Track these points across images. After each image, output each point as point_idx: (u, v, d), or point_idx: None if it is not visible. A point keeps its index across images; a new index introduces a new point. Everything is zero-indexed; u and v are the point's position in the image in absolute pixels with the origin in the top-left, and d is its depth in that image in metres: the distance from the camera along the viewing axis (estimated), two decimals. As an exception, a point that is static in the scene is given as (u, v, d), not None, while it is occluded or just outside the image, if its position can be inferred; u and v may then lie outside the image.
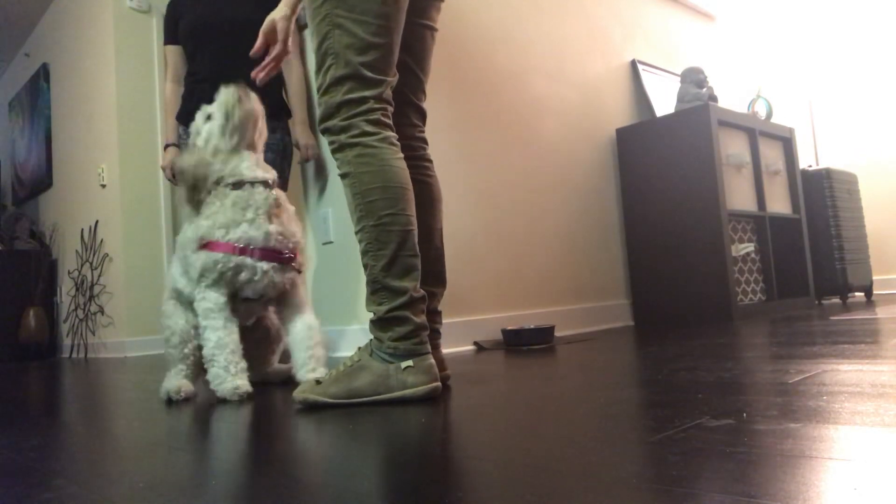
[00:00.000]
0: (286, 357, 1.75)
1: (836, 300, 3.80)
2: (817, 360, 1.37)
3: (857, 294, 4.17)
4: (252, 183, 1.59)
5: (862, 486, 0.56)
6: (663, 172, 3.09)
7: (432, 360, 1.30)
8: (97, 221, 4.10)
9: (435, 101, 2.51)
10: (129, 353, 3.77)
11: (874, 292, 4.12)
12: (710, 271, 2.92)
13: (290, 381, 1.72)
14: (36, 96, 5.10)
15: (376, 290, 1.31)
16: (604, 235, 3.18)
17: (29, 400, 1.93)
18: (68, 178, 4.60)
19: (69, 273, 4.47)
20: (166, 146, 2.49)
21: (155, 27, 3.96)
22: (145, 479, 0.83)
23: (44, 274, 4.72)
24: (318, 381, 1.34)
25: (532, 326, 2.39)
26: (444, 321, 2.37)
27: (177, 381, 1.59)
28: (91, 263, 4.12)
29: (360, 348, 1.36)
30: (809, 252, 3.50)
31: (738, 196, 3.11)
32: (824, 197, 3.62)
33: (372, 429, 1.04)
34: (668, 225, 3.07)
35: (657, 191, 3.12)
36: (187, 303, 1.67)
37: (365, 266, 1.33)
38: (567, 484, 0.65)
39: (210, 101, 2.32)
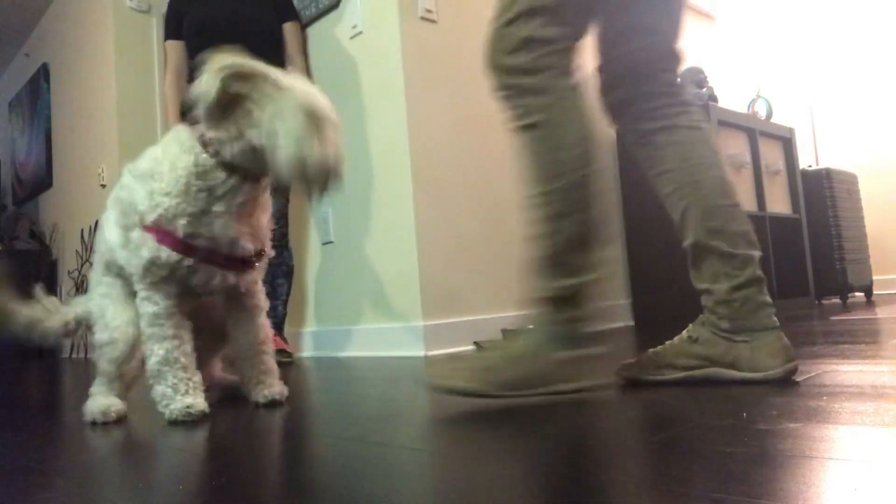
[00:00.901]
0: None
1: (836, 300, 3.80)
2: (817, 360, 1.37)
3: (857, 294, 4.16)
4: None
5: (862, 486, 0.56)
6: (663, 172, 3.09)
7: (594, 354, 1.15)
8: (97, 221, 4.10)
9: (435, 100, 2.51)
10: (129, 353, 3.77)
11: (874, 292, 4.12)
12: (710, 271, 2.92)
13: (236, 396, 1.47)
14: (36, 96, 5.10)
15: (556, 263, 1.13)
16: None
17: (29, 400, 1.93)
18: (68, 178, 4.60)
19: (69, 273, 4.47)
20: None
21: (155, 27, 3.96)
22: (145, 479, 0.83)
23: (44, 274, 4.72)
24: (453, 359, 1.14)
25: (532, 326, 2.39)
26: (443, 321, 2.38)
27: (105, 399, 1.31)
28: (91, 263, 4.12)
29: (518, 332, 1.17)
30: (809, 252, 3.50)
31: (738, 196, 3.10)
32: (824, 197, 3.62)
33: (357, 432, 1.04)
34: (669, 225, 3.05)
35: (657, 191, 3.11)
36: (129, 287, 1.31)
37: (542, 235, 1.14)
38: (567, 484, 0.64)
39: None
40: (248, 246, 1.28)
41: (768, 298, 1.19)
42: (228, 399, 1.49)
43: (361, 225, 2.60)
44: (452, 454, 0.81)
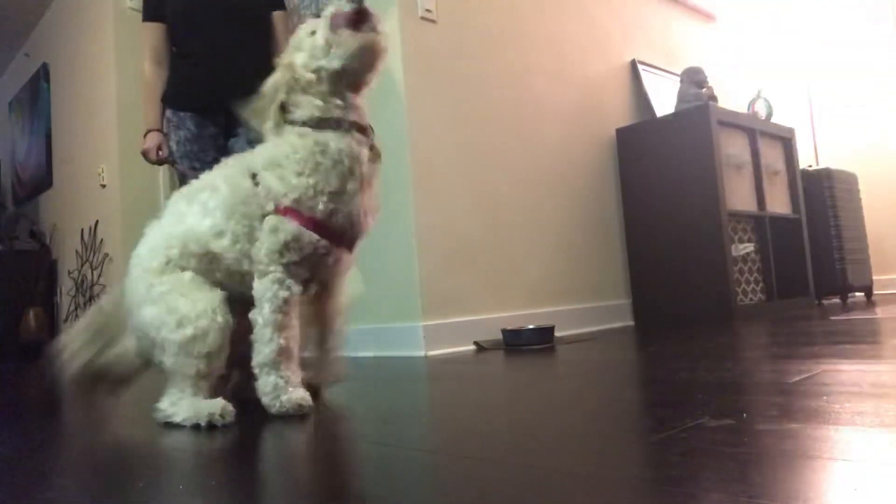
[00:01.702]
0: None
1: (836, 300, 3.80)
2: (817, 360, 1.37)
3: (857, 294, 4.16)
4: (351, 132, 1.27)
5: (862, 486, 0.56)
6: (663, 172, 3.09)
7: None
8: (97, 221, 4.10)
9: (435, 100, 2.51)
10: (129, 353, 3.77)
11: (874, 292, 4.12)
12: (710, 271, 2.92)
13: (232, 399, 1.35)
14: (36, 96, 5.10)
15: None
16: (604, 235, 3.18)
17: (29, 400, 1.93)
18: (68, 178, 4.60)
19: (69, 273, 4.47)
20: (147, 132, 2.30)
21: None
22: (145, 479, 0.83)
23: (44, 274, 4.72)
24: None
25: (532, 326, 2.39)
26: (443, 321, 2.38)
27: (209, 402, 1.19)
28: (91, 263, 4.12)
29: None
30: (809, 252, 3.50)
31: (738, 196, 3.11)
32: (824, 197, 3.62)
33: (353, 424, 1.04)
34: (668, 225, 3.07)
35: (657, 191, 3.12)
36: (208, 276, 1.27)
37: None
38: (566, 484, 0.64)
39: (206, 85, 2.19)
40: (371, 222, 1.32)
41: None
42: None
43: (361, 225, 2.60)
44: (453, 454, 0.81)
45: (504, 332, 2.38)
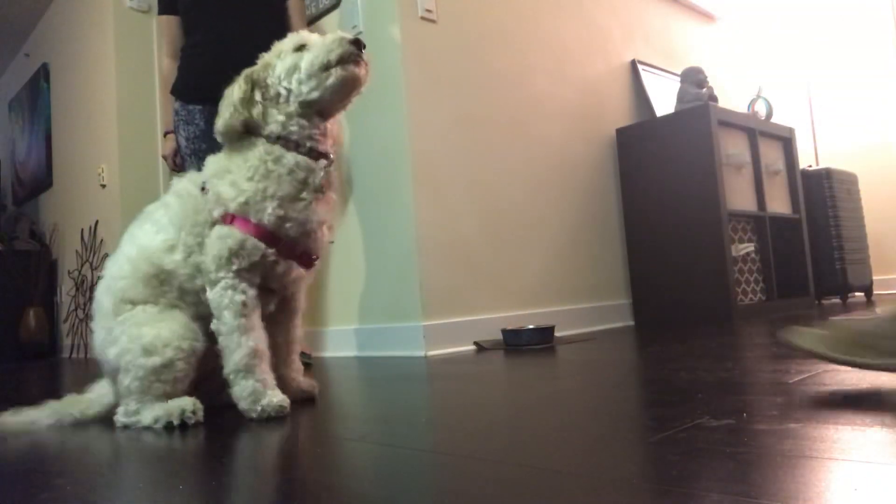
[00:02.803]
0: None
1: (836, 300, 3.80)
2: (817, 359, 1.36)
3: (857, 294, 4.17)
4: (313, 153, 1.26)
5: (862, 486, 0.56)
6: (663, 172, 3.09)
7: None
8: (97, 221, 4.10)
9: (435, 100, 2.51)
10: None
11: (874, 292, 4.12)
12: (710, 271, 2.92)
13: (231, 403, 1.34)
14: (36, 96, 5.10)
15: None
16: (604, 235, 3.18)
17: (29, 400, 1.93)
18: (68, 178, 4.60)
19: (69, 273, 4.47)
20: (166, 133, 2.31)
21: (155, 27, 3.96)
22: (145, 479, 0.83)
23: (44, 274, 4.72)
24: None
25: (532, 326, 2.39)
26: (443, 321, 2.38)
27: (179, 401, 1.20)
28: (91, 263, 4.12)
29: None
30: (809, 252, 3.50)
31: (738, 196, 3.11)
32: (824, 197, 3.62)
33: (357, 422, 1.04)
34: (668, 225, 3.07)
35: (657, 191, 3.12)
36: (177, 298, 1.26)
37: None
38: (566, 484, 0.64)
39: (212, 74, 2.13)
40: (326, 237, 1.29)
41: None
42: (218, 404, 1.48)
43: (361, 225, 2.60)
44: (453, 454, 0.81)
45: (504, 332, 2.38)
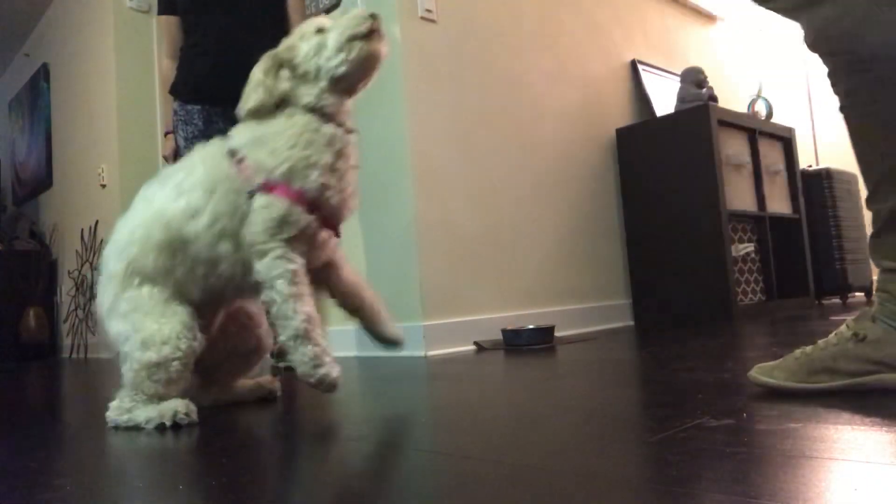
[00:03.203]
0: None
1: (836, 300, 3.80)
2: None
3: (857, 294, 4.17)
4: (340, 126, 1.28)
5: (862, 486, 0.56)
6: (663, 172, 3.09)
7: None
8: (97, 221, 4.10)
9: (435, 100, 2.51)
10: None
11: (874, 292, 4.12)
12: (710, 271, 2.92)
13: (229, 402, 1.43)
14: (36, 96, 5.10)
15: None
16: (604, 235, 3.18)
17: (29, 400, 1.93)
18: (68, 178, 4.60)
19: (69, 273, 4.47)
20: (167, 133, 2.30)
21: (155, 27, 3.96)
22: (145, 479, 0.83)
23: (44, 274, 4.72)
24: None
25: (532, 326, 2.39)
26: (443, 321, 2.38)
27: (172, 402, 1.20)
28: (91, 263, 4.12)
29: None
30: (809, 252, 3.50)
31: (738, 196, 3.11)
32: (824, 197, 3.62)
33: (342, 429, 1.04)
34: (668, 225, 3.07)
35: (657, 191, 3.12)
36: (168, 291, 1.25)
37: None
38: (566, 484, 0.64)
39: (211, 75, 2.15)
40: (356, 204, 1.32)
41: None
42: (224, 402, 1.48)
43: (361, 225, 2.60)
44: (453, 454, 0.81)
45: (504, 332, 2.38)
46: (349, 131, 1.30)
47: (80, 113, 4.34)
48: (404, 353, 2.36)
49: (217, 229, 1.23)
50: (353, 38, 1.25)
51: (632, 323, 3.18)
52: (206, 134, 2.13)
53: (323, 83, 1.27)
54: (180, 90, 2.19)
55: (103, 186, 4.00)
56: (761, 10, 1.18)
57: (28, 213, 5.22)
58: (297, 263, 1.21)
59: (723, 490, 0.57)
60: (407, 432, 0.98)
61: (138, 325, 1.21)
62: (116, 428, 1.21)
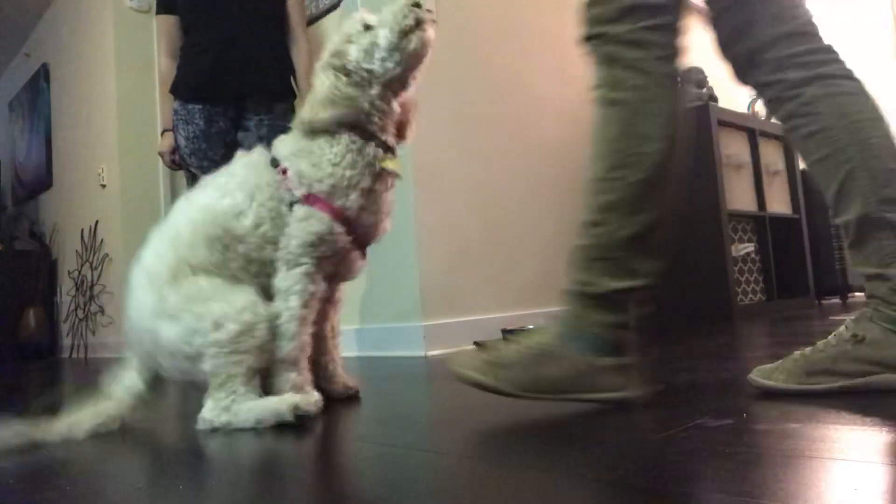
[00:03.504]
0: None
1: (836, 300, 3.80)
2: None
3: (857, 294, 4.16)
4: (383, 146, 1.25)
5: (862, 486, 0.56)
6: (663, 172, 3.09)
7: (636, 364, 1.06)
8: (97, 221, 4.10)
9: (435, 100, 2.51)
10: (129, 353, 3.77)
11: (866, 299, 4.11)
12: (710, 271, 2.92)
13: None
14: (36, 96, 5.10)
15: (607, 258, 1.04)
16: (604, 235, 3.18)
17: (29, 400, 1.93)
18: (68, 178, 4.60)
19: (69, 273, 4.47)
20: (164, 131, 2.30)
21: (155, 27, 3.96)
22: (145, 478, 0.83)
23: (44, 274, 4.72)
24: (480, 348, 1.05)
25: (532, 326, 2.39)
26: (443, 321, 2.38)
27: (285, 396, 1.12)
28: (91, 263, 4.12)
29: (545, 329, 1.09)
30: (809, 252, 3.50)
31: (738, 196, 3.11)
32: (824, 197, 3.61)
33: (356, 424, 1.04)
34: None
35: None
36: (228, 273, 1.18)
37: (596, 224, 1.04)
38: (566, 484, 0.64)
39: (211, 74, 2.13)
40: (389, 226, 1.30)
41: None
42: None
43: (361, 225, 2.60)
44: (453, 454, 0.81)
45: (504, 332, 2.38)
46: (389, 148, 1.26)
47: (80, 113, 4.34)
48: (404, 353, 2.36)
49: (261, 232, 1.19)
50: (405, 32, 1.20)
51: (632, 323, 3.17)
52: (207, 132, 2.13)
53: (374, 90, 1.23)
54: (181, 89, 2.19)
55: (103, 186, 4.00)
56: None
57: (28, 213, 5.22)
58: (318, 287, 1.19)
59: (723, 490, 0.57)
60: (407, 432, 0.98)
61: (202, 311, 1.11)
62: (214, 430, 1.08)
